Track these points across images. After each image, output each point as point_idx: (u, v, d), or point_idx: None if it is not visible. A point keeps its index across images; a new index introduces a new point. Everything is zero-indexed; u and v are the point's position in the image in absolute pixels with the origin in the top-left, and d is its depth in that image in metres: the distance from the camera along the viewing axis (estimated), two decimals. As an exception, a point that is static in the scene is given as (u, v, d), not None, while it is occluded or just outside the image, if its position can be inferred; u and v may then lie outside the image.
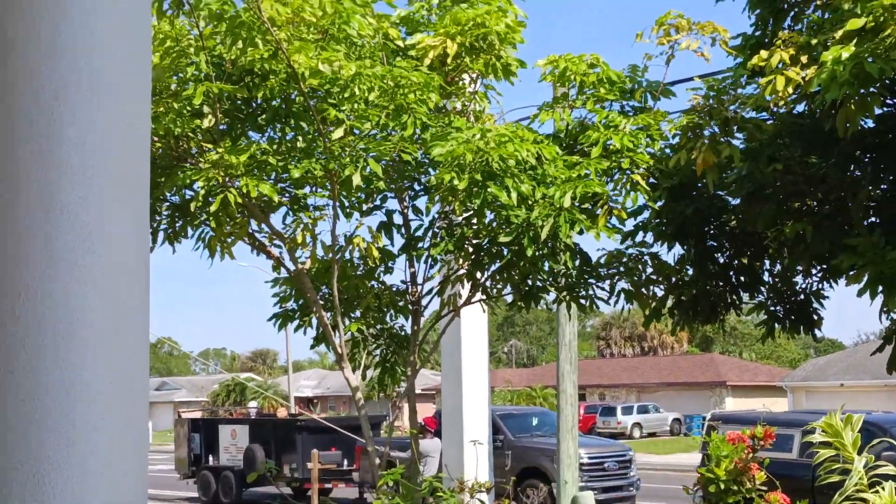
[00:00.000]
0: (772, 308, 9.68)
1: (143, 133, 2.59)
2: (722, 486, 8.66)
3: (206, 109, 8.00)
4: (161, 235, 8.90)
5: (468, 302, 9.61)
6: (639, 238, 9.51)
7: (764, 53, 7.81)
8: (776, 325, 9.59)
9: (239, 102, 8.52)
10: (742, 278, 9.74)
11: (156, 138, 8.07)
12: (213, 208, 7.83)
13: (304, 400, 61.94)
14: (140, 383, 2.47)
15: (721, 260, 9.67)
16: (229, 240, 8.86)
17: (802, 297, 9.65)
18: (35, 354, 2.29)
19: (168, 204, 8.96)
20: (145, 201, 2.57)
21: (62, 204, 2.36)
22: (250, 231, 9.04)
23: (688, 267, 9.50)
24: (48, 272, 2.32)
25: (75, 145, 2.41)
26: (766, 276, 9.78)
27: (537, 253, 8.39)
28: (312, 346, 10.16)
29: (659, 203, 8.96)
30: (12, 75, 2.40)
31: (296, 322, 9.64)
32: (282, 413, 28.90)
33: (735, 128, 8.64)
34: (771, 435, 8.93)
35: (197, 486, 25.32)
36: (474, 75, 9.40)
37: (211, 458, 25.35)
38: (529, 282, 9.22)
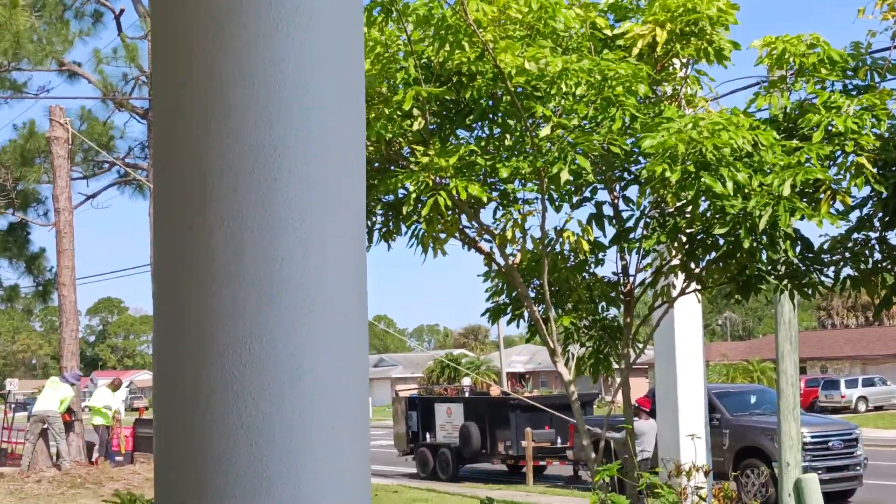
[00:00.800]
0: None
1: (358, 181, 2.62)
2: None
3: (415, 112, 8.11)
4: (376, 234, 9.14)
5: (682, 293, 9.39)
6: (865, 224, 8.99)
7: None
8: None
9: (448, 101, 8.60)
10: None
11: (368, 143, 8.27)
12: (424, 211, 7.95)
13: (515, 375, 62.45)
14: (362, 430, 2.51)
15: (958, 242, 9.03)
16: (441, 236, 8.98)
17: None
18: (262, 403, 2.35)
19: (383, 203, 9.17)
20: (363, 250, 2.60)
21: (284, 258, 2.40)
22: (461, 227, 9.14)
23: (920, 252, 8.93)
24: (272, 325, 2.37)
25: (295, 200, 2.45)
26: None
27: (755, 243, 8.10)
28: (528, 341, 10.21)
29: (884, 195, 8.43)
30: (233, 134, 2.46)
31: (508, 316, 9.69)
32: (494, 391, 29.21)
33: (971, 102, 8.05)
34: None
35: (415, 462, 25.97)
36: (685, 59, 9.14)
37: (428, 436, 25.94)
38: (747, 271, 8.91)
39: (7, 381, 63.16)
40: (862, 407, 48.73)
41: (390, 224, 9.14)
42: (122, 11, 25.93)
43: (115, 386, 23.16)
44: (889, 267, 9.09)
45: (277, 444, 2.31)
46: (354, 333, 2.51)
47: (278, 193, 2.39)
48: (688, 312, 14.59)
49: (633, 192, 9.14)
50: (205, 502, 2.29)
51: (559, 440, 23.58)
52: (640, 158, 8.67)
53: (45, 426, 19.18)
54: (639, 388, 32.12)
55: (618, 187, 9.19)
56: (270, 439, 2.31)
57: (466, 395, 29.09)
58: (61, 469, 18.80)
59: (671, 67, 9.24)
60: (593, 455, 9.26)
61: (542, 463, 24.23)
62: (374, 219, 9.14)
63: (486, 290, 9.67)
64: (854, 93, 8.60)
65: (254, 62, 2.42)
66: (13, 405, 28.66)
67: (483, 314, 9.63)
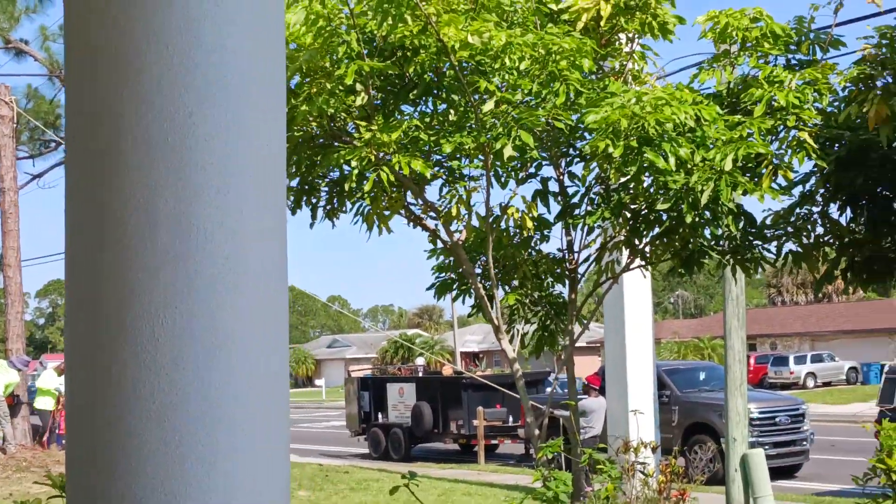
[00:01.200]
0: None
1: (279, 148, 2.55)
2: (894, 478, 8.22)
3: (358, 87, 8.01)
4: (320, 212, 9.03)
5: (627, 269, 9.40)
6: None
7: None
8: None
9: (392, 76, 8.50)
10: (921, 235, 9.16)
11: (311, 118, 8.16)
12: (367, 188, 7.87)
13: (469, 355, 62.57)
14: (281, 404, 2.44)
15: (896, 218, 9.11)
16: (386, 213, 8.91)
17: None
18: (176, 377, 2.27)
19: (327, 180, 9.06)
20: (282, 218, 2.54)
21: (199, 228, 2.32)
22: (406, 204, 9.07)
23: (862, 226, 9.01)
24: (187, 296, 2.30)
25: (211, 168, 2.37)
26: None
27: (697, 218, 8.12)
28: (470, 315, 10.26)
29: (826, 170, 8.49)
30: (146, 100, 2.38)
31: (455, 291, 9.65)
32: (447, 371, 29.22)
33: (911, 78, 8.09)
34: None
35: (368, 442, 25.94)
36: (630, 34, 9.12)
37: (380, 416, 25.89)
38: (690, 246, 8.93)
39: (-46, 365, 62.22)
40: (810, 383, 49.45)
41: (335, 201, 9.04)
42: (66, -12, 25.43)
43: (60, 371, 22.82)
44: (831, 241, 9.17)
45: (191, 419, 2.23)
46: (274, 303, 2.44)
47: (193, 161, 2.32)
48: (637, 288, 14.65)
49: (578, 168, 9.13)
50: (116, 481, 2.21)
51: (511, 419, 23.63)
52: (585, 134, 8.64)
53: (-12, 409, 18.91)
54: (591, 366, 32.32)
55: (563, 163, 9.17)
56: (184, 413, 2.23)
57: (420, 374, 29.08)
58: (6, 452, 18.55)
59: (617, 42, 9.22)
60: (537, 432, 9.25)
61: (494, 442, 24.30)
62: (318, 196, 9.03)
63: (432, 267, 9.63)
64: (797, 67, 8.63)
65: (168, 23, 2.34)
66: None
67: (428, 288, 9.60)
